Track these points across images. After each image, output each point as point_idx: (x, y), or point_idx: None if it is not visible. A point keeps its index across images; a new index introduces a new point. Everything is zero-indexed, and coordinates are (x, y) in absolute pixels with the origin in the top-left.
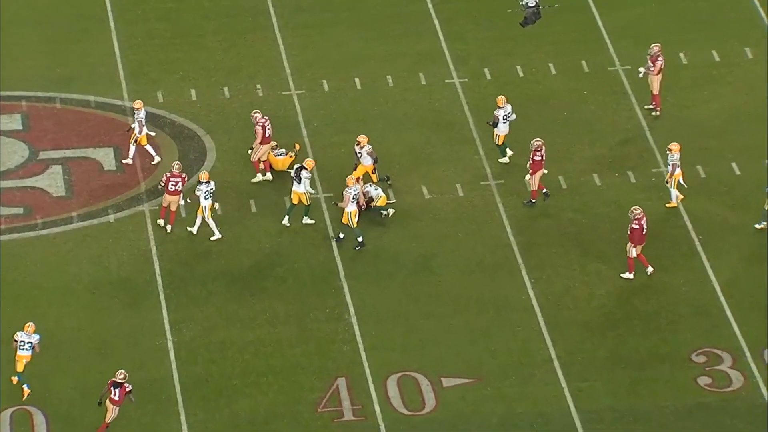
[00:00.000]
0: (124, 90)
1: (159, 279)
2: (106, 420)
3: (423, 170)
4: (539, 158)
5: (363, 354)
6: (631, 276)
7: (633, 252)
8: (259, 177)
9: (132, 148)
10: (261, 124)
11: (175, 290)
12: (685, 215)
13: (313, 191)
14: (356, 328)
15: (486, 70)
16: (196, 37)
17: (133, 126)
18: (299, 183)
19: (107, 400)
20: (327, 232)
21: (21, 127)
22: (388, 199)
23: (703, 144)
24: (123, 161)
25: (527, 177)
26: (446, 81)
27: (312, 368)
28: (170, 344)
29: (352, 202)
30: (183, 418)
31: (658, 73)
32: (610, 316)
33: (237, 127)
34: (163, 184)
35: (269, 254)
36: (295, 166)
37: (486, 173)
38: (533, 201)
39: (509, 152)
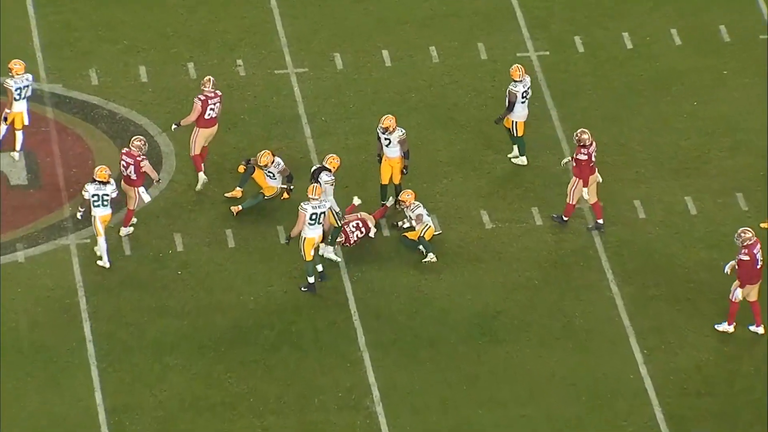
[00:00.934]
0: (41, 66)
1: (91, 346)
2: None
3: (482, 186)
4: (584, 157)
5: None
6: (732, 329)
7: (738, 294)
8: (202, 179)
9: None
10: (204, 98)
11: (114, 364)
12: None
13: (338, 209)
14: (382, 419)
15: (577, 38)
16: None
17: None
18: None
19: None
20: (340, 279)
21: None
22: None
23: None
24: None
25: (571, 186)
26: (518, 54)
27: None
28: None
29: (311, 224)
30: None
31: None
32: (763, 404)
33: None
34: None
35: (255, 311)
36: (313, 168)
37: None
38: (564, 219)
39: (523, 160)
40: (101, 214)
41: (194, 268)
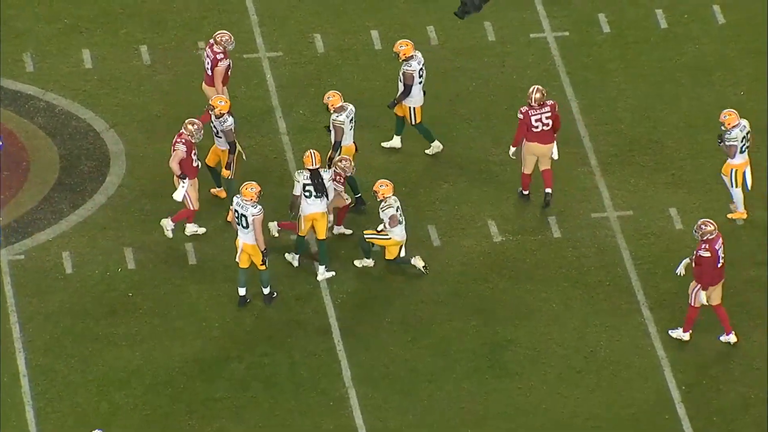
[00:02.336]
0: None
1: (26, 382)
2: None
3: (489, 192)
4: (521, 117)
5: None
6: (687, 336)
7: (701, 297)
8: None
9: None
10: (210, 42)
11: (53, 402)
12: None
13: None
14: None
15: (601, 16)
16: None
17: None
18: (321, 196)
19: None
20: (321, 301)
21: None
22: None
23: None
24: None
25: (512, 150)
26: (531, 36)
27: None
28: None
29: (237, 221)
30: None
31: None
32: None
33: (165, 115)
34: None
35: (220, 339)
36: (304, 174)
37: (601, 197)
38: (525, 193)
39: (437, 144)
40: None
41: (148, 290)
